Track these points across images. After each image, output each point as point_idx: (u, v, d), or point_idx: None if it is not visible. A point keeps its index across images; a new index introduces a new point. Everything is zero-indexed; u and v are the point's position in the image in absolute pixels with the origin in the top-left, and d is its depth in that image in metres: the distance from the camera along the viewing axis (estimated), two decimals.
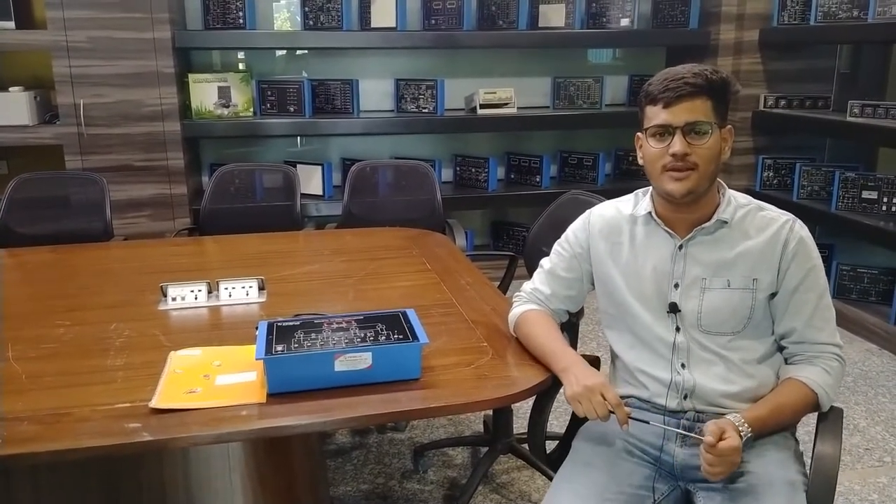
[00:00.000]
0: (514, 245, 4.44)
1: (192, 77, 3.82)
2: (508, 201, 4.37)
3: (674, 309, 1.46)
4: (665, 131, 1.39)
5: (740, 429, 1.35)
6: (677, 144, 1.37)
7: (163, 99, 3.59)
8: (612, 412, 1.36)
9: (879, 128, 3.42)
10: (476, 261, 2.38)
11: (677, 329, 1.47)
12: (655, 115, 1.40)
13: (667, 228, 1.48)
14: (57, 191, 2.96)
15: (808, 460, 1.44)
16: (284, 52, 4.22)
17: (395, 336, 1.46)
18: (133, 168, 3.64)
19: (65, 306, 1.93)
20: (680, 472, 1.44)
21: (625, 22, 4.14)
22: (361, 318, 1.55)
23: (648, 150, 1.43)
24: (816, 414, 1.46)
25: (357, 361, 1.40)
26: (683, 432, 1.43)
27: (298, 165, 3.86)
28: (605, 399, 1.37)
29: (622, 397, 1.53)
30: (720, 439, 1.31)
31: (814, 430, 1.44)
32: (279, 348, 1.40)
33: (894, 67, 4.31)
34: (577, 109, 4.25)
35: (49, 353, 1.62)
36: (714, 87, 1.38)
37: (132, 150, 3.62)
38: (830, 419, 1.44)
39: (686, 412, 1.46)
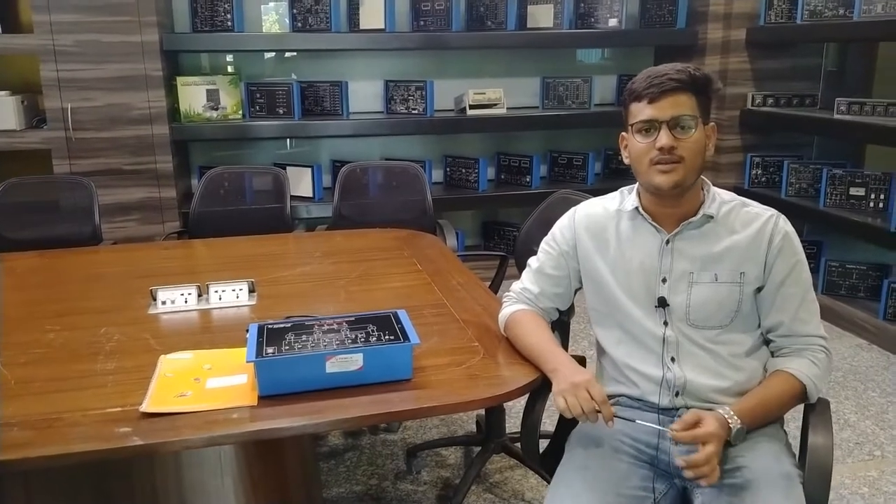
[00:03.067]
0: (506, 245, 4.45)
1: (180, 80, 3.80)
2: (499, 201, 4.38)
3: (662, 303, 1.47)
4: (651, 126, 1.41)
5: (729, 420, 1.36)
6: (664, 138, 1.39)
7: (151, 102, 3.58)
8: (599, 410, 1.36)
9: (866, 125, 3.45)
10: (467, 261, 2.38)
11: (665, 323, 1.48)
12: (640, 111, 1.42)
13: (653, 223, 1.49)
14: (45, 195, 2.95)
15: (795, 453, 1.45)
16: (273, 54, 4.22)
17: (387, 337, 1.46)
18: (122, 172, 3.62)
19: (54, 311, 1.92)
20: (676, 470, 1.44)
21: (613, 22, 4.16)
22: (352, 319, 1.55)
23: (635, 146, 1.44)
24: (803, 408, 1.47)
25: (348, 363, 1.40)
26: (662, 428, 1.43)
27: (288, 168, 3.85)
28: (591, 396, 1.37)
29: (612, 396, 1.55)
30: (695, 427, 1.33)
31: (801, 424, 1.45)
32: (270, 350, 1.40)
33: (880, 65, 4.35)
34: (566, 109, 4.26)
35: (39, 358, 1.61)
36: (697, 83, 1.40)
37: (121, 153, 3.60)
38: (819, 411, 1.46)
39: (678, 409, 1.46)
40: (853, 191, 3.66)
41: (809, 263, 1.48)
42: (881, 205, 3.57)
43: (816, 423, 1.43)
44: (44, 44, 3.41)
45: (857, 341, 3.47)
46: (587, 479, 1.41)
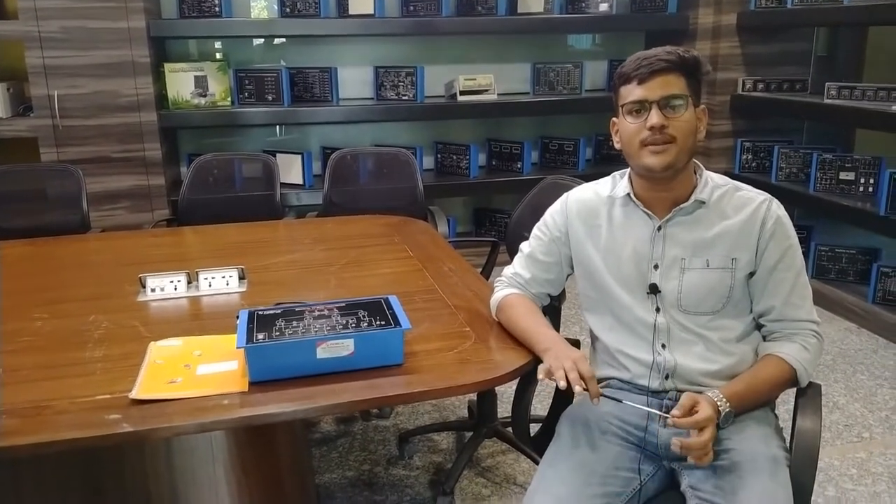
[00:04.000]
0: (497, 231, 4.44)
1: (168, 66, 3.77)
2: (490, 188, 4.37)
3: (654, 290, 1.47)
4: (641, 107, 1.40)
5: (718, 404, 1.36)
6: (654, 117, 1.38)
7: (139, 89, 3.54)
8: (585, 388, 1.35)
9: (856, 109, 3.45)
10: (458, 247, 2.38)
11: (657, 310, 1.48)
12: (630, 92, 1.41)
13: (645, 209, 1.49)
14: (32, 184, 2.92)
15: (786, 437, 1.46)
16: (262, 40, 4.18)
17: (378, 322, 1.45)
18: (110, 159, 3.59)
19: (42, 299, 1.91)
20: (664, 452, 1.45)
21: (604, 7, 4.14)
22: (343, 305, 1.54)
23: (626, 127, 1.43)
24: (795, 391, 1.48)
25: (339, 348, 1.39)
26: (652, 410, 1.43)
27: (278, 155, 3.84)
28: (578, 369, 1.35)
29: (603, 379, 1.55)
30: (692, 412, 1.32)
31: (792, 408, 1.45)
32: (260, 337, 1.39)
33: (871, 49, 4.35)
34: (557, 95, 4.25)
35: (26, 347, 1.60)
36: (687, 64, 1.40)
37: (108, 141, 3.57)
38: (809, 395, 1.46)
39: (668, 392, 1.47)
40: (843, 175, 3.66)
41: (800, 248, 1.48)
42: (871, 189, 3.58)
43: (806, 407, 1.43)
44: (29, 30, 3.37)
45: (846, 325, 3.49)
46: (574, 460, 1.42)
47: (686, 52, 1.41)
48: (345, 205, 3.04)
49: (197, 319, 1.80)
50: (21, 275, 2.16)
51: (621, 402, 1.42)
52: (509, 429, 2.32)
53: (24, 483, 1.51)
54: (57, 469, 1.51)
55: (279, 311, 1.52)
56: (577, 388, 1.33)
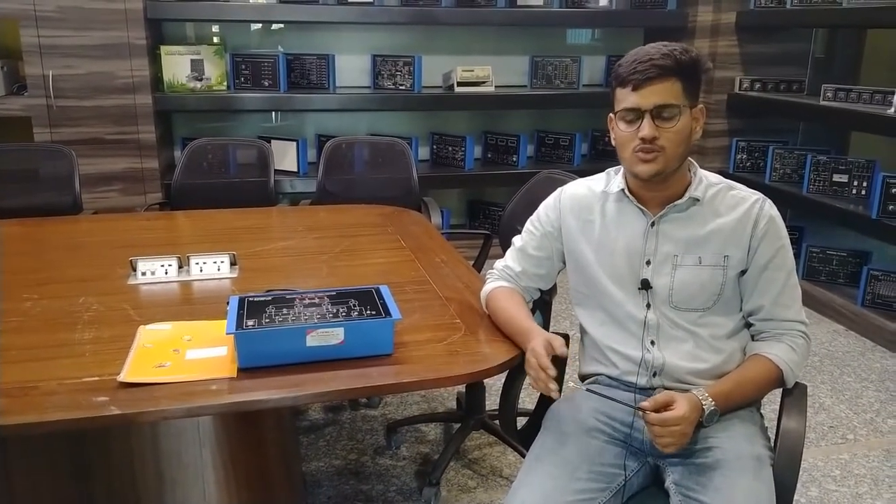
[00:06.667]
0: (491, 224, 4.44)
1: (164, 49, 3.75)
2: (485, 180, 4.37)
3: (645, 286, 1.47)
4: (634, 115, 1.39)
5: (703, 402, 1.37)
6: (646, 128, 1.38)
7: (134, 71, 3.52)
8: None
9: (852, 112, 3.46)
10: (451, 239, 2.38)
11: (648, 306, 1.48)
12: (625, 97, 1.40)
13: (639, 205, 1.49)
14: (25, 163, 2.90)
15: (771, 436, 1.47)
16: (259, 25, 4.16)
17: (368, 312, 1.45)
18: (104, 141, 3.57)
19: (32, 280, 1.90)
20: (649, 448, 1.45)
21: (603, 2, 4.14)
22: (334, 293, 1.54)
23: (619, 133, 1.44)
24: (781, 391, 1.49)
25: (329, 337, 1.40)
26: (623, 402, 1.42)
27: (273, 141, 3.83)
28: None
29: (591, 375, 1.56)
30: (665, 408, 1.34)
31: (778, 408, 1.46)
32: (250, 323, 1.39)
33: (868, 52, 4.37)
34: (554, 89, 4.24)
35: (15, 327, 1.59)
36: (683, 67, 1.38)
37: (103, 123, 3.55)
38: (795, 395, 1.47)
39: (655, 389, 1.47)
40: (836, 177, 3.68)
41: (791, 249, 1.49)
42: (863, 192, 3.60)
43: (791, 408, 1.44)
44: (24, 8, 3.34)
45: (834, 327, 3.51)
46: (560, 455, 1.42)
47: (683, 55, 1.38)
48: (339, 193, 3.03)
49: (187, 304, 1.80)
50: (11, 255, 2.15)
51: (597, 394, 1.42)
52: (497, 421, 2.33)
53: (11, 463, 1.51)
54: (44, 450, 1.51)
55: (270, 298, 1.52)
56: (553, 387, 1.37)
